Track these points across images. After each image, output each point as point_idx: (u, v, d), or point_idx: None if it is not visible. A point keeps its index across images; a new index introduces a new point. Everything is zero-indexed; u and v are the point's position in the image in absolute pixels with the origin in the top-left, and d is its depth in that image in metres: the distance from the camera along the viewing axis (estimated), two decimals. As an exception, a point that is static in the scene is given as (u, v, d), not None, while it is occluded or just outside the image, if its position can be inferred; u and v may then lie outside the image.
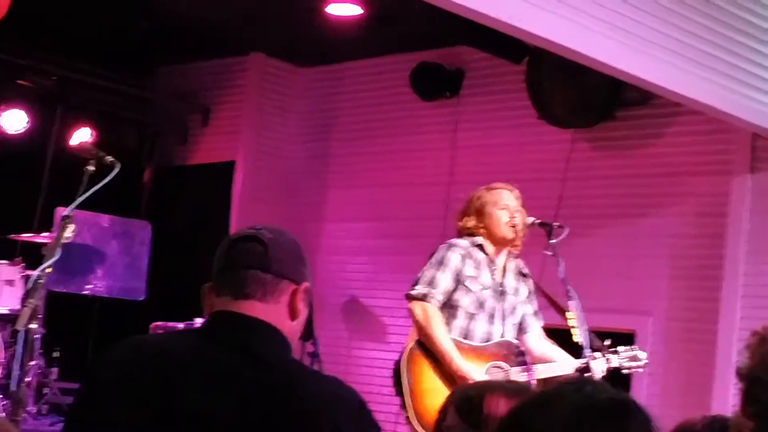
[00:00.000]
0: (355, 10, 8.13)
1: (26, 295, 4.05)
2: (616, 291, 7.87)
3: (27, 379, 7.44)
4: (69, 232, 4.34)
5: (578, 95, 8.08)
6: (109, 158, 4.46)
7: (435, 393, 5.13)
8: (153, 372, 2.24)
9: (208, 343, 2.29)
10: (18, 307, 7.40)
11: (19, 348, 4.14)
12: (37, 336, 7.58)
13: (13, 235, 8.01)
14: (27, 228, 8.17)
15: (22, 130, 9.39)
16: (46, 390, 7.82)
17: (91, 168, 4.46)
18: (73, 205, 4.28)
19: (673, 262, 7.85)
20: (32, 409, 7.52)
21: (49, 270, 6.62)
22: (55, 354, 8.15)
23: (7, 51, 9.11)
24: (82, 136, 9.56)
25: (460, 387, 3.57)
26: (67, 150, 8.79)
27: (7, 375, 7.17)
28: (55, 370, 8.02)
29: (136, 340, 2.39)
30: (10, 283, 7.63)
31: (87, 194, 4.34)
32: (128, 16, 8.87)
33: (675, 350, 7.74)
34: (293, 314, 2.37)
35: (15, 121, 9.36)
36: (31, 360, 7.55)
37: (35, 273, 4.20)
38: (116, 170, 4.39)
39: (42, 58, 9.42)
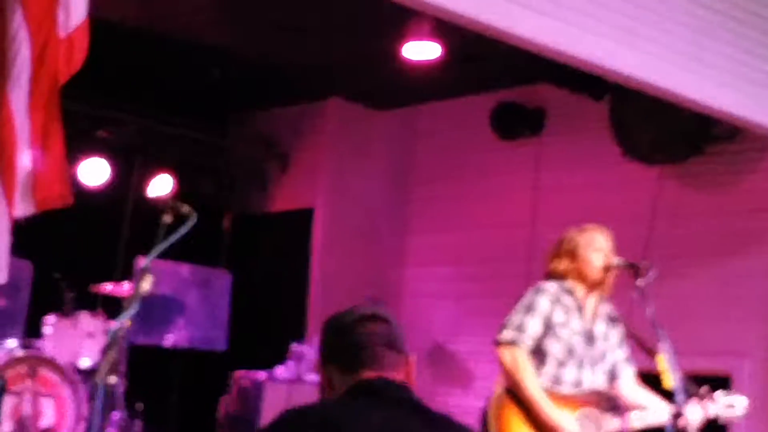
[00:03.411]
0: (434, 51, 8.05)
1: (106, 348, 3.97)
2: (709, 332, 7.68)
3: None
4: (147, 284, 4.25)
5: (664, 130, 7.91)
6: (186, 208, 4.37)
7: (525, 441, 5.00)
8: None
9: (380, 405, 2.48)
10: (99, 359, 7.42)
11: (98, 402, 4.07)
12: (120, 389, 7.60)
13: (94, 287, 8.02)
14: (108, 279, 8.17)
15: (103, 182, 9.46)
16: (128, 443, 7.80)
17: (168, 219, 4.37)
18: (150, 257, 4.19)
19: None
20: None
21: (128, 322, 6.60)
22: (138, 407, 8.12)
23: (86, 102, 9.17)
24: (161, 185, 9.61)
25: None
26: (147, 200, 8.82)
27: (89, 429, 7.16)
28: (138, 422, 7.98)
29: (299, 413, 2.50)
30: (91, 335, 7.65)
31: (164, 245, 4.25)
32: (206, 64, 8.89)
33: (774, 393, 7.47)
34: (412, 381, 2.64)
35: (95, 172, 9.43)
36: (114, 412, 7.56)
37: (114, 325, 4.12)
38: (193, 220, 4.30)
39: (120, 108, 9.50)
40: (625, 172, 8.30)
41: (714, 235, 7.95)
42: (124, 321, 4.07)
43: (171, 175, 9.73)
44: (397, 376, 2.56)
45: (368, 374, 2.54)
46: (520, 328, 5.20)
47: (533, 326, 5.20)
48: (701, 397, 5.25)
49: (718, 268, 7.87)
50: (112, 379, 4.03)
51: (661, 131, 7.92)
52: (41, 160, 3.63)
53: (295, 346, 8.38)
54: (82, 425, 7.13)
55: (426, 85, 9.04)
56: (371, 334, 2.58)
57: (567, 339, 5.23)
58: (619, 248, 5.48)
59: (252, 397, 7.74)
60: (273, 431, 2.44)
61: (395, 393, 2.52)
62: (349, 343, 2.56)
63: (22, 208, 3.64)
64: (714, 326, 7.73)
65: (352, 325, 2.58)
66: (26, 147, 3.57)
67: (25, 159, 3.56)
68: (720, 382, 6.17)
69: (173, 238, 4.24)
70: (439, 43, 7.93)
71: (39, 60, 3.63)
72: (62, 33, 3.72)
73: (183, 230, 4.33)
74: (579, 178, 8.66)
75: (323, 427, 2.40)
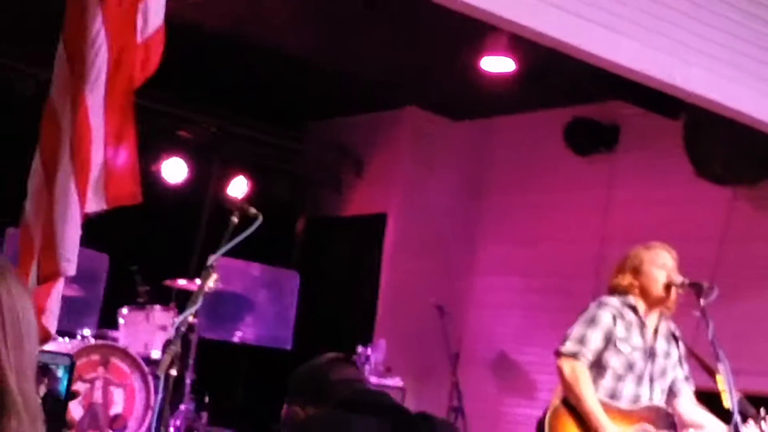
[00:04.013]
0: (509, 65, 8.10)
1: (168, 342, 4.11)
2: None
3: (176, 423, 7.65)
4: (211, 282, 4.40)
5: (739, 151, 7.84)
6: (253, 210, 4.51)
7: (579, 453, 5.04)
8: None
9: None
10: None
11: (160, 393, 4.22)
12: (188, 381, 7.78)
13: (168, 281, 8.20)
14: (182, 274, 8.35)
15: (181, 180, 9.67)
16: (195, 434, 7.96)
17: (235, 219, 4.52)
18: (215, 256, 4.34)
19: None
20: (181, 453, 7.66)
21: (191, 318, 6.75)
22: (206, 399, 8.29)
23: (167, 102, 9.40)
24: (237, 185, 9.79)
25: None
26: (223, 199, 9.00)
27: (155, 418, 7.34)
28: (204, 414, 8.14)
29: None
30: (163, 328, 7.82)
31: (230, 245, 4.39)
32: (284, 70, 9.03)
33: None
34: None
35: (175, 170, 9.65)
36: (181, 404, 7.73)
37: (177, 320, 4.27)
38: (259, 222, 4.43)
39: (201, 110, 9.70)
40: (697, 191, 8.24)
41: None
42: (187, 316, 4.21)
43: (247, 177, 9.90)
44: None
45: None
46: (581, 341, 5.23)
47: (594, 340, 5.23)
48: (758, 419, 5.24)
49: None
50: (174, 372, 4.17)
51: (735, 152, 7.84)
52: (114, 160, 3.77)
53: (361, 349, 8.47)
54: (150, 415, 7.28)
55: (501, 97, 9.06)
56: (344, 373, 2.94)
57: (627, 354, 5.25)
58: (687, 266, 5.49)
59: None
60: None
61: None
62: (323, 382, 2.93)
63: (94, 204, 3.79)
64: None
65: (325, 368, 2.96)
66: (100, 146, 3.72)
67: (98, 158, 3.71)
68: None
69: (238, 238, 4.38)
70: (513, 58, 7.97)
71: (116, 64, 3.78)
72: (139, 38, 3.86)
73: (249, 231, 4.47)
74: (651, 195, 8.61)
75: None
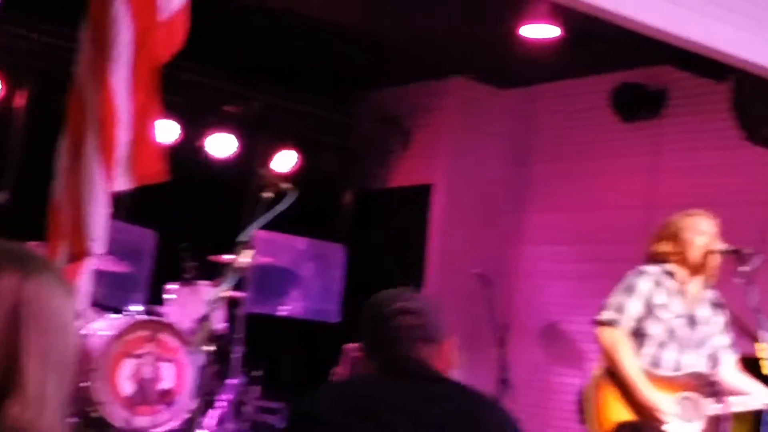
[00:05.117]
0: (553, 31, 8.03)
1: (203, 317, 4.15)
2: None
3: (227, 397, 7.72)
4: (246, 257, 4.43)
5: (788, 114, 7.73)
6: (285, 185, 4.54)
7: (621, 422, 5.02)
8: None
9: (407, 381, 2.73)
10: (218, 327, 7.67)
11: (198, 367, 4.28)
12: (237, 355, 7.84)
13: (215, 257, 8.25)
14: (230, 250, 8.38)
15: (229, 155, 9.72)
16: (246, 408, 8.02)
17: (269, 194, 4.55)
18: (248, 231, 4.38)
19: None
20: (232, 426, 7.73)
21: (236, 293, 6.80)
22: (256, 373, 8.35)
23: (214, 77, 9.45)
24: (285, 160, 9.82)
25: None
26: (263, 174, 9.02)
27: (211, 393, 7.42)
28: (255, 388, 8.20)
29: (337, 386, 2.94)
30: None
31: (263, 220, 4.42)
32: (330, 42, 9.02)
33: None
34: (448, 364, 2.88)
35: (222, 145, 9.70)
36: (231, 378, 7.80)
37: (211, 296, 4.31)
38: (293, 197, 4.46)
39: (248, 84, 9.72)
40: (745, 156, 8.13)
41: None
42: (221, 292, 4.25)
43: (295, 151, 9.93)
44: (426, 356, 2.77)
45: (396, 354, 2.77)
46: (619, 309, 5.22)
47: (633, 307, 5.21)
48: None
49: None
50: (211, 346, 4.22)
51: (783, 115, 7.75)
52: (141, 138, 3.80)
53: (408, 321, 8.46)
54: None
55: (546, 65, 8.99)
56: (403, 327, 2.78)
57: (668, 321, 5.23)
58: (735, 232, 5.44)
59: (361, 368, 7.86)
60: (317, 398, 2.68)
61: (421, 371, 2.73)
62: (382, 333, 2.79)
63: (122, 183, 3.84)
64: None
65: (387, 318, 2.79)
66: (126, 125, 3.75)
67: (124, 136, 3.74)
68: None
69: (270, 213, 4.41)
70: (557, 25, 7.90)
71: (140, 42, 3.80)
72: (163, 16, 3.88)
73: (283, 206, 4.50)
74: (699, 161, 8.50)
75: (359, 399, 2.66)
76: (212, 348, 4.21)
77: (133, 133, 3.75)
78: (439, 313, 2.89)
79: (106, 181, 3.69)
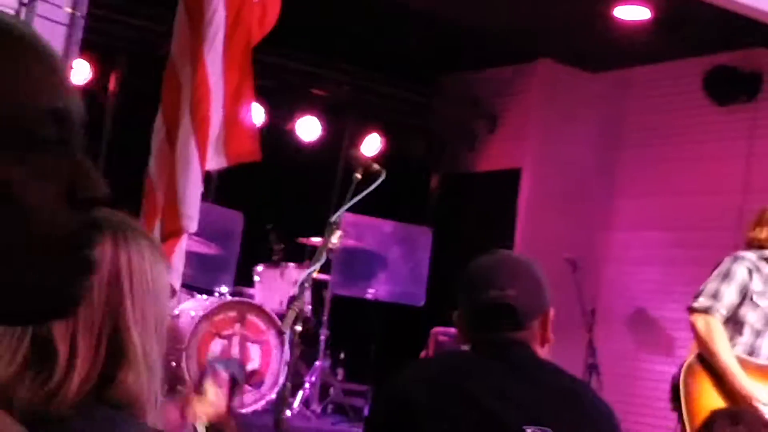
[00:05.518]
0: (644, 13, 7.89)
1: (292, 298, 4.15)
2: None
3: (312, 379, 7.76)
4: (335, 238, 4.42)
5: None
6: (376, 166, 4.51)
7: (714, 410, 4.93)
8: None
9: (500, 361, 2.60)
10: (305, 308, 7.70)
11: (286, 349, 4.27)
12: (322, 338, 7.87)
13: (302, 239, 8.29)
14: (317, 233, 8.41)
15: (316, 138, 9.76)
16: (331, 390, 8.06)
17: (358, 176, 4.52)
18: (338, 213, 4.36)
19: None
20: (317, 408, 7.77)
21: (323, 275, 6.80)
22: (341, 356, 8.38)
23: (301, 60, 9.47)
24: (371, 143, 9.82)
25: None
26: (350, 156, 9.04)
27: (296, 374, 7.46)
28: (340, 371, 8.23)
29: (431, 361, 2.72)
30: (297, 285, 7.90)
31: (352, 202, 4.40)
32: (416, 24, 8.99)
33: None
34: (544, 339, 2.72)
35: (309, 128, 9.74)
36: (317, 361, 7.83)
37: (301, 277, 4.30)
38: (382, 178, 4.43)
39: (335, 68, 9.73)
40: None
41: None
42: (311, 273, 4.24)
43: (381, 134, 9.93)
44: (521, 338, 2.63)
45: (491, 336, 2.63)
46: (715, 296, 5.12)
47: (729, 294, 5.11)
48: None
49: None
50: (299, 327, 4.21)
51: None
52: (234, 117, 3.81)
53: (495, 306, 8.41)
54: (286, 370, 7.38)
55: (637, 47, 8.86)
56: (499, 303, 2.62)
57: (765, 308, 5.12)
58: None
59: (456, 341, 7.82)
60: (406, 379, 2.59)
61: (515, 351, 2.61)
62: (478, 306, 2.65)
63: (215, 162, 3.85)
64: None
65: (483, 291, 2.65)
66: (219, 104, 3.76)
67: (218, 116, 3.75)
68: None
69: (360, 194, 4.39)
70: (648, 6, 7.77)
71: (234, 23, 3.80)
72: (256, -4, 3.88)
73: (372, 187, 4.48)
74: (795, 146, 8.32)
75: (450, 374, 2.57)
76: (299, 330, 4.17)
77: (226, 112, 3.76)
78: (541, 280, 2.73)
79: (200, 160, 3.71)
